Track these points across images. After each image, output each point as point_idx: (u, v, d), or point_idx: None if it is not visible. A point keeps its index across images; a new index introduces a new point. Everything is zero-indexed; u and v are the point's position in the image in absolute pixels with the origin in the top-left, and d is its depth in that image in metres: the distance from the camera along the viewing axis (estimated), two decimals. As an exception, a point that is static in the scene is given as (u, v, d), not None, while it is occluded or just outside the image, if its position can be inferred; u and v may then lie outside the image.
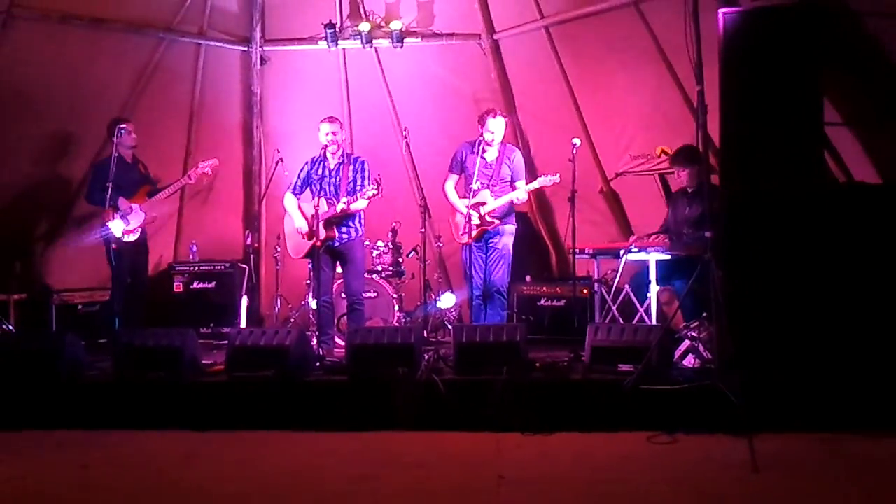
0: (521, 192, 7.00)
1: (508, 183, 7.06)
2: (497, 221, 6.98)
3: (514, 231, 7.16)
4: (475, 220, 6.93)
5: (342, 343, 6.75)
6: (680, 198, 7.04)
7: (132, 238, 7.30)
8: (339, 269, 7.14)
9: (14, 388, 5.88)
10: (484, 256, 7.06)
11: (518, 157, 7.20)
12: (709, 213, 5.60)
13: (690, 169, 6.84)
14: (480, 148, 7.03)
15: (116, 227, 7.14)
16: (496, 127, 7.00)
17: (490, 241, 7.06)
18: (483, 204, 6.95)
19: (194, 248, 8.76)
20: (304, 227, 6.85)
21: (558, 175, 6.94)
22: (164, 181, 7.68)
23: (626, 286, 7.05)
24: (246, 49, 9.12)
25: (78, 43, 8.11)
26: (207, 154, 7.81)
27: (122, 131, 7.21)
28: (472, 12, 8.65)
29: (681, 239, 6.69)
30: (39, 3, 7.75)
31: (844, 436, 4.94)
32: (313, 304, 7.41)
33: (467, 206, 6.94)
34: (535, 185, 7.06)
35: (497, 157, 7.08)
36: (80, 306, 8.13)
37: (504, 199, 6.98)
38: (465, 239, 6.99)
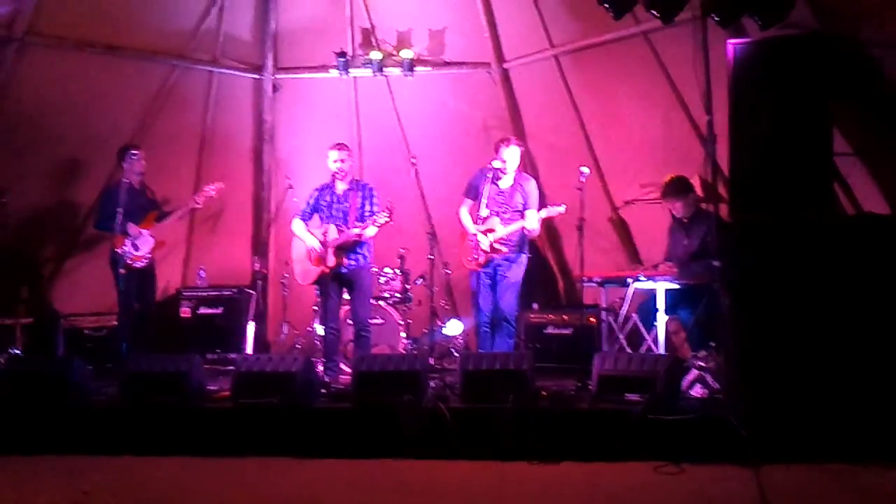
0: (531, 221, 6.87)
1: (520, 212, 6.98)
2: (505, 249, 6.93)
3: (525, 262, 7.08)
4: (484, 247, 6.92)
5: (348, 370, 6.73)
6: (676, 230, 7.03)
7: (142, 264, 7.31)
8: (346, 296, 7.13)
9: (20, 412, 5.88)
10: (491, 283, 7.03)
11: (532, 185, 7.13)
12: (717, 243, 5.59)
13: (684, 200, 6.86)
14: (494, 175, 7.02)
15: (128, 252, 7.18)
16: (509, 156, 6.97)
17: (500, 268, 7.00)
18: (492, 231, 6.93)
19: (202, 274, 8.77)
20: (318, 245, 6.82)
21: (563, 206, 6.92)
22: (173, 207, 7.71)
23: (634, 315, 7.00)
24: (258, 77, 9.19)
25: (92, 70, 8.19)
26: (217, 181, 7.83)
27: (134, 157, 7.26)
28: (483, 41, 8.70)
29: (688, 268, 6.66)
30: (54, 29, 7.84)
31: (853, 468, 4.88)
32: (320, 330, 7.40)
33: (476, 232, 6.93)
34: (543, 213, 6.96)
35: (511, 185, 7.05)
36: (87, 331, 8.13)
37: (512, 227, 6.89)
38: (472, 265, 6.99)
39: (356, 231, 6.70)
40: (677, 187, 6.91)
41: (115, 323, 7.74)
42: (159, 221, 7.47)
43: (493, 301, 7.00)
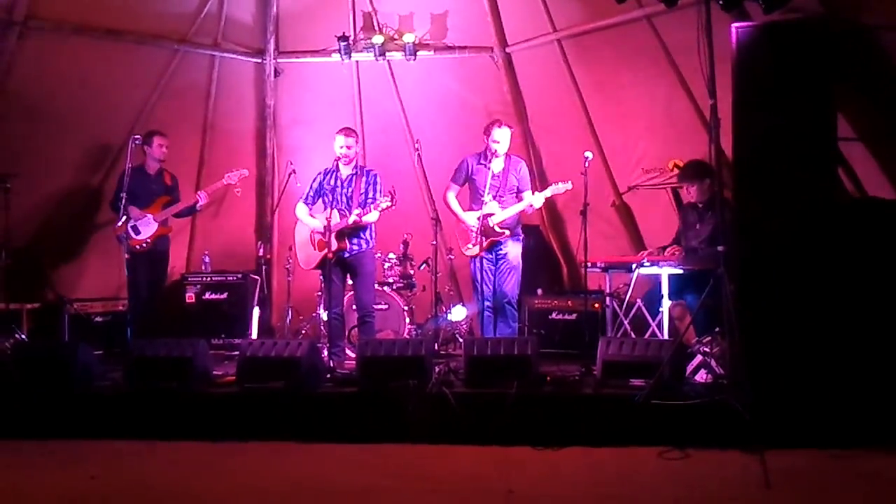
0: (536, 200, 6.97)
1: (515, 194, 7.08)
2: (507, 232, 6.99)
3: (521, 242, 7.17)
4: (485, 231, 6.94)
5: (353, 355, 6.75)
6: (690, 212, 7.01)
7: (142, 248, 7.33)
8: (349, 281, 7.14)
9: (26, 396, 5.91)
10: (493, 268, 7.06)
11: (524, 167, 7.23)
12: (721, 228, 5.58)
13: (700, 184, 6.83)
14: (486, 160, 7.05)
15: (127, 234, 7.21)
16: (502, 136, 7.01)
17: (499, 252, 7.06)
18: (491, 215, 6.96)
19: (207, 259, 8.78)
20: (321, 226, 6.80)
21: (570, 182, 6.96)
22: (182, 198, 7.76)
23: (639, 300, 7.01)
24: (260, 61, 9.16)
25: (93, 54, 8.15)
26: (220, 165, 7.83)
27: (156, 143, 7.35)
28: (485, 25, 8.66)
29: (695, 253, 6.67)
30: (55, 14, 7.81)
31: (857, 452, 4.91)
32: (324, 315, 7.41)
33: (478, 218, 6.95)
34: (548, 192, 7.03)
35: (503, 168, 7.11)
36: (93, 316, 8.14)
37: (513, 210, 6.99)
38: (475, 251, 7.00)
39: (354, 217, 6.68)
40: (694, 171, 6.87)
41: (121, 308, 7.79)
42: (165, 208, 7.50)
43: (494, 285, 7.03)
